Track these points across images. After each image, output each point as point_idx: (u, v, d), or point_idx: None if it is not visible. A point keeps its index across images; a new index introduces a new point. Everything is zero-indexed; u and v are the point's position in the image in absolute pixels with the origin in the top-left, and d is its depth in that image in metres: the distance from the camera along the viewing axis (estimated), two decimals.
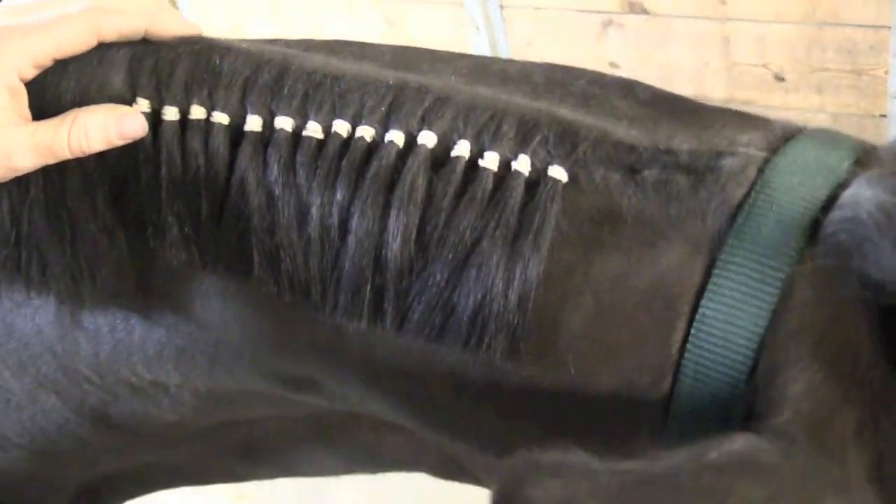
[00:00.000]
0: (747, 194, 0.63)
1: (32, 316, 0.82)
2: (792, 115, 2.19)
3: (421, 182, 0.67)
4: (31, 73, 0.67)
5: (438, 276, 0.66)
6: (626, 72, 2.35)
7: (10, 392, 0.88)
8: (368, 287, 0.68)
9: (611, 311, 0.65)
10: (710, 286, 0.62)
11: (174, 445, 0.99)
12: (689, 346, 0.62)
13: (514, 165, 0.67)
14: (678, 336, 0.63)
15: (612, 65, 2.36)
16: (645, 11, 2.23)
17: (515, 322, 0.66)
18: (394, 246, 0.66)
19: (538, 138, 0.67)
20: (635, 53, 2.32)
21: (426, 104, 0.69)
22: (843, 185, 0.62)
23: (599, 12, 2.30)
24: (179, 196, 0.71)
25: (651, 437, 0.65)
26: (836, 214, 0.60)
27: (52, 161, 0.66)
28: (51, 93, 0.70)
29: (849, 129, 2.15)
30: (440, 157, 0.68)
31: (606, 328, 0.65)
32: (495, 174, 0.67)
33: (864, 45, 2.01)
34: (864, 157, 0.66)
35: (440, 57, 0.79)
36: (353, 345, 0.73)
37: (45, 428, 0.90)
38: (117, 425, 0.90)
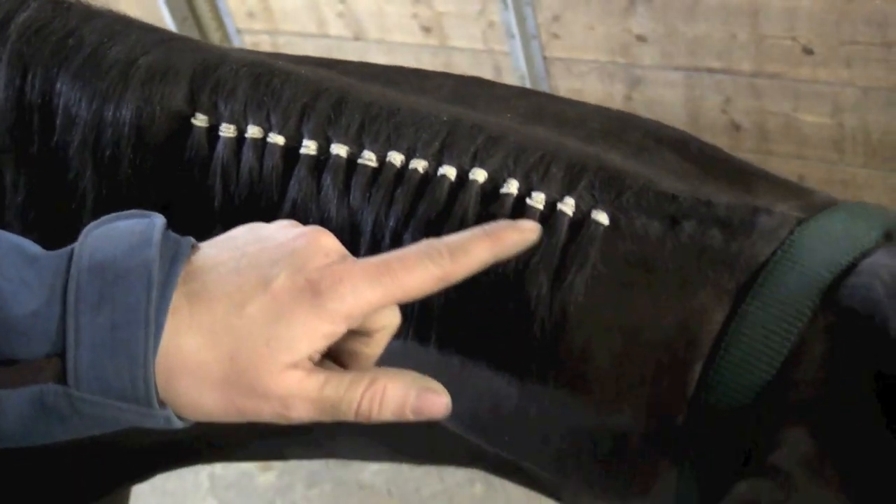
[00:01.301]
0: (775, 252, 0.67)
1: None
2: (821, 88, 2.18)
3: (470, 215, 0.70)
4: (358, 325, 0.59)
5: (481, 303, 0.70)
6: (653, 45, 2.34)
7: None
8: (415, 311, 0.71)
9: (637, 349, 0.68)
10: (729, 333, 0.65)
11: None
12: (703, 385, 0.66)
13: (560, 206, 0.70)
14: (693, 376, 0.66)
15: (640, 38, 2.36)
16: None
17: (548, 350, 0.70)
18: None
19: (584, 182, 0.71)
20: (663, 27, 2.31)
21: (479, 142, 0.72)
22: (865, 255, 0.65)
23: None
24: (230, 211, 0.73)
25: (670, 468, 0.69)
26: (852, 280, 0.63)
27: (330, 419, 0.57)
28: (119, 88, 0.73)
29: (878, 103, 2.14)
30: (490, 194, 0.71)
31: (632, 364, 0.68)
32: (541, 213, 0.70)
33: (894, 18, 1.99)
34: None
35: (498, 95, 0.81)
36: None
37: None
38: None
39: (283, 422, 0.56)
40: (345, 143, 0.72)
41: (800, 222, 0.69)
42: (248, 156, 0.73)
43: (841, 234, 0.67)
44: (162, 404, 0.54)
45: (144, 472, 1.12)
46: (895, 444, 0.59)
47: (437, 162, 0.72)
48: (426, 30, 2.72)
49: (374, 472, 2.41)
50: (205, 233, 0.72)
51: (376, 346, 0.61)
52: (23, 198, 0.77)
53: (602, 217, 0.70)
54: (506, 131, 0.73)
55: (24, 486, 1.03)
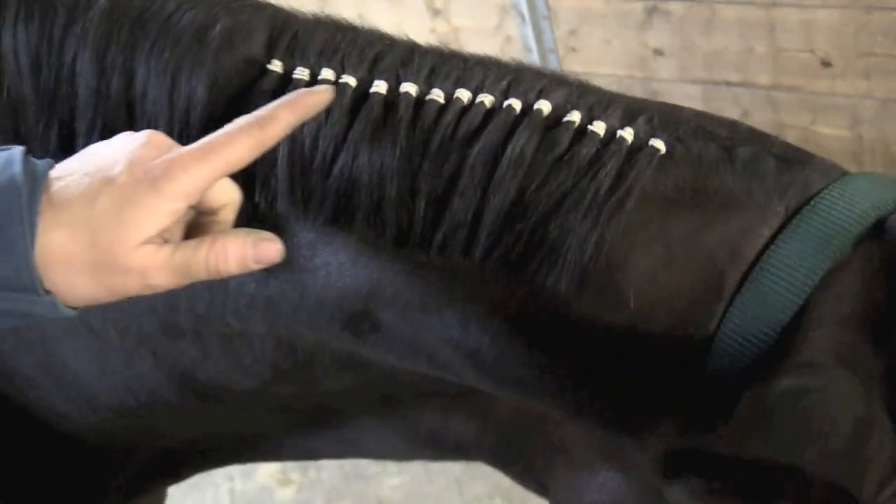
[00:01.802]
0: (825, 187, 0.71)
1: None
2: (839, 101, 2.17)
3: (533, 140, 0.73)
4: (196, 200, 0.66)
5: (531, 218, 0.73)
6: (670, 59, 2.35)
7: (109, 351, 0.93)
8: (465, 230, 0.74)
9: (678, 260, 0.72)
10: (772, 248, 0.69)
11: (252, 416, 1.03)
12: (738, 296, 0.69)
13: (620, 133, 0.74)
14: (732, 285, 0.70)
15: (657, 52, 2.36)
16: None
17: (588, 261, 0.72)
18: (496, 197, 0.73)
19: (644, 116, 0.75)
20: (680, 40, 2.31)
21: (545, 82, 0.77)
22: None
23: None
24: (297, 150, 0.75)
25: (693, 373, 0.71)
26: None
27: (188, 281, 0.66)
28: (194, 51, 0.75)
29: None
30: (553, 122, 0.75)
31: (671, 272, 0.72)
32: (601, 139, 0.74)
33: None
34: None
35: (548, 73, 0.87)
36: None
37: (138, 393, 0.95)
38: (202, 392, 0.94)
39: (147, 292, 0.65)
40: (415, 82, 0.76)
41: (847, 173, 0.74)
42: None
43: (889, 183, 0.72)
44: (47, 292, 0.63)
45: (176, 469, 1.16)
46: None
47: (504, 96, 0.75)
48: (443, 45, 2.73)
49: (393, 488, 2.41)
50: (264, 169, 0.76)
51: (224, 222, 0.70)
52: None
53: (659, 143, 0.73)
54: (569, 78, 0.79)
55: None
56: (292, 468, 2.50)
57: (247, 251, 0.67)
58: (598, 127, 0.74)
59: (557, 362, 0.77)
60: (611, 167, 0.72)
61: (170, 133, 0.72)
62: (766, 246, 0.70)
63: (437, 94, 0.75)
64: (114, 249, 0.62)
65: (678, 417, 0.72)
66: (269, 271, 0.81)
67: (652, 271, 0.72)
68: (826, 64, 2.13)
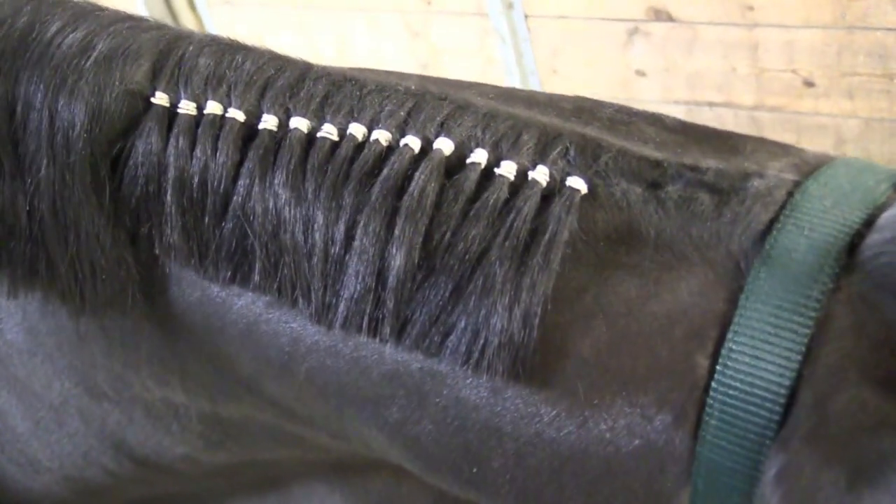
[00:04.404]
0: (775, 218, 0.61)
1: (54, 327, 0.81)
2: (823, 120, 2.16)
3: (432, 188, 0.65)
4: None
5: (442, 289, 0.64)
6: (652, 80, 2.33)
7: (39, 408, 0.87)
8: (370, 297, 0.65)
9: (625, 339, 0.61)
10: (736, 317, 0.58)
11: (194, 480, 0.98)
12: (714, 384, 0.58)
13: (532, 175, 0.65)
14: (701, 372, 0.59)
15: (639, 73, 2.35)
16: (671, 19, 2.21)
17: (520, 340, 0.62)
18: (398, 255, 0.64)
19: (559, 149, 0.66)
20: (662, 61, 2.29)
21: (446, 111, 0.68)
22: (880, 208, 0.59)
23: (625, 20, 2.28)
24: (185, 191, 0.70)
25: (674, 487, 0.61)
26: (875, 237, 0.57)
27: None
28: (73, 78, 0.70)
29: (881, 134, 2.12)
30: (455, 165, 0.66)
31: (620, 357, 0.61)
32: (511, 183, 0.65)
33: (895, 49, 1.98)
34: None
35: (465, 84, 0.78)
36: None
37: (72, 454, 0.90)
38: (136, 456, 0.89)
39: None
40: (305, 115, 0.69)
41: (798, 183, 0.62)
42: (204, 134, 0.69)
43: (848, 189, 0.60)
44: None
45: None
46: None
47: (400, 132, 0.67)
48: (424, 66, 2.71)
49: None
50: (158, 212, 0.70)
51: None
52: None
53: (578, 183, 0.64)
54: (475, 102, 0.69)
55: None
56: None
57: None
58: (507, 169, 0.64)
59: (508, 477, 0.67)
60: (525, 216, 0.63)
61: (52, 170, 0.68)
62: (729, 312, 0.59)
63: (329, 131, 0.68)
64: None
65: None
66: (180, 329, 0.76)
67: (597, 356, 0.61)
68: (809, 84, 2.12)
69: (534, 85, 2.52)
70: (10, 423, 0.90)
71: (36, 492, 0.95)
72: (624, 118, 0.72)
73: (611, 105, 0.74)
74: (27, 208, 0.72)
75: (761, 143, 0.69)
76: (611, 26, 2.32)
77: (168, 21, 2.94)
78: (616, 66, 2.36)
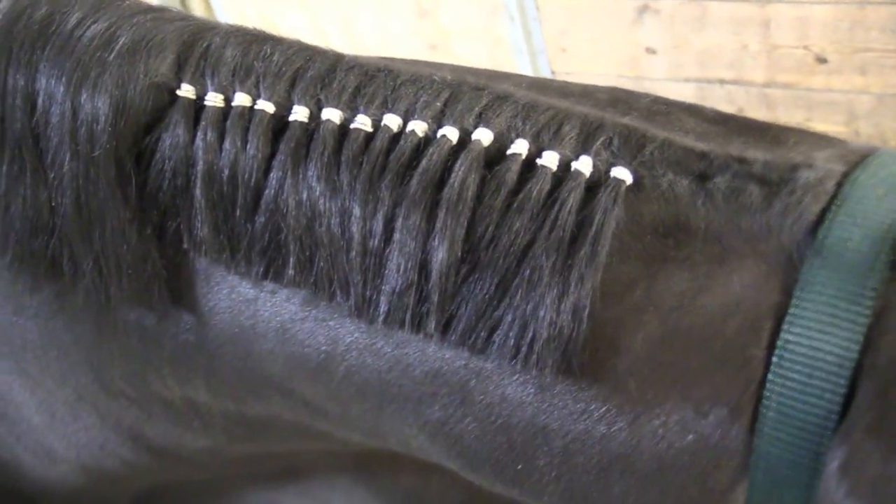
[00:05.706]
0: (826, 209, 0.60)
1: (71, 322, 0.80)
2: (835, 97, 2.15)
3: (472, 180, 0.63)
4: None
5: (487, 283, 0.63)
6: (662, 57, 2.31)
7: (54, 404, 0.87)
8: (412, 292, 0.64)
9: (678, 333, 0.60)
10: (791, 309, 0.57)
11: (214, 469, 0.98)
12: (770, 376, 0.58)
13: (575, 165, 0.63)
14: (757, 365, 0.58)
15: (649, 50, 2.33)
16: None
17: (569, 333, 0.61)
18: (441, 249, 0.63)
19: (602, 139, 0.64)
20: (672, 38, 2.28)
21: (484, 101, 0.67)
22: None
23: None
24: (215, 185, 0.69)
25: (729, 482, 0.61)
26: None
27: None
28: (96, 70, 0.69)
29: (894, 110, 2.10)
30: (495, 156, 0.65)
31: (673, 351, 0.60)
32: (554, 174, 0.63)
33: None
34: None
35: (500, 75, 0.76)
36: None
37: (89, 445, 0.89)
38: (155, 448, 0.89)
39: None
40: (337, 106, 0.67)
41: (846, 173, 0.61)
42: (233, 127, 0.68)
43: (890, 184, 0.60)
44: None
45: None
46: None
47: (437, 123, 0.66)
48: (432, 47, 2.69)
49: None
50: (187, 209, 0.69)
51: None
52: (3, 189, 0.73)
53: (623, 174, 0.63)
54: (513, 93, 0.68)
55: None
56: None
57: None
58: (549, 159, 0.63)
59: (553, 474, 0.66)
60: (570, 208, 0.61)
61: (75, 165, 0.67)
62: (783, 304, 0.58)
63: (363, 122, 0.66)
64: None
65: None
66: (207, 327, 0.75)
67: (649, 351, 0.61)
68: (821, 60, 2.10)
69: (542, 64, 2.51)
70: (25, 415, 0.89)
71: (52, 480, 0.95)
72: (662, 108, 0.70)
73: (646, 95, 0.73)
74: (50, 203, 0.71)
75: (804, 134, 0.68)
76: (620, 3, 2.30)
77: (177, 5, 2.94)
78: (625, 43, 2.34)
